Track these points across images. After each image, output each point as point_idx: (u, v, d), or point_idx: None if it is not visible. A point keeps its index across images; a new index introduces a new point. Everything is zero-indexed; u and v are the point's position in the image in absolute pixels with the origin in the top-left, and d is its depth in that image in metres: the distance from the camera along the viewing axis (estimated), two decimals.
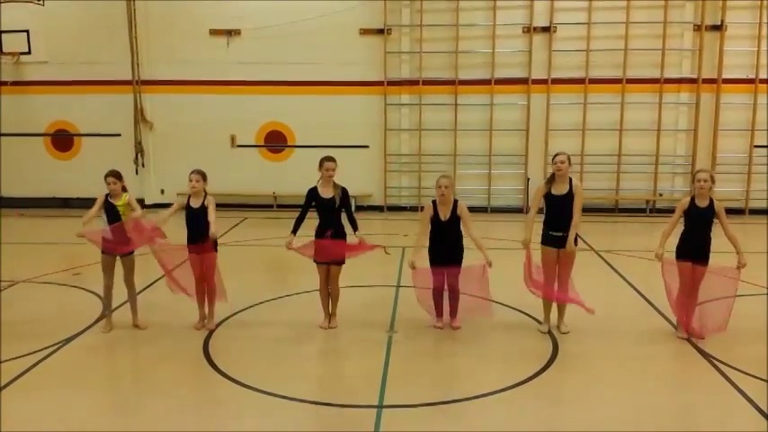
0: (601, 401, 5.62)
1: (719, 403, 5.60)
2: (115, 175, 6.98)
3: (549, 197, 6.99)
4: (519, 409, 5.53)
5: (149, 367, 6.33)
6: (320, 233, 7.11)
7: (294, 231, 7.10)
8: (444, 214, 6.97)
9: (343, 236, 7.16)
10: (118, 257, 7.05)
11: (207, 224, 6.95)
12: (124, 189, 7.06)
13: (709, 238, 6.71)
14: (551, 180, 7.00)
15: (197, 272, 7.19)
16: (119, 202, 6.96)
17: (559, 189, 6.94)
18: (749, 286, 8.62)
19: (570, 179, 6.97)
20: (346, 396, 5.73)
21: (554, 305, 7.27)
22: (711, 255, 6.78)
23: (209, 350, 6.67)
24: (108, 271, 7.07)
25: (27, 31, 15.28)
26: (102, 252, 7.03)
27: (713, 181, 6.68)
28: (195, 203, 7.06)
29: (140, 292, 8.67)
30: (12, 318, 7.47)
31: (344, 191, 7.14)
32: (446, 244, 7.00)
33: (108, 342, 6.96)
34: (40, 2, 14.89)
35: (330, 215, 7.09)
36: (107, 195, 6.99)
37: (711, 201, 6.68)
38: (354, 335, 7.17)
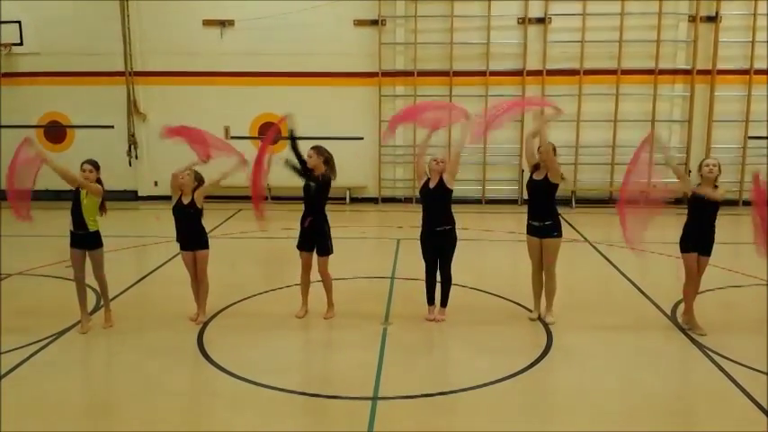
0: (595, 393, 5.63)
1: (714, 394, 5.61)
2: (93, 164, 6.79)
3: (530, 182, 7.14)
4: (513, 400, 5.53)
5: (143, 360, 6.31)
6: (303, 220, 7.21)
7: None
8: (433, 182, 7.06)
9: (321, 227, 7.17)
10: (87, 252, 6.83)
11: (198, 225, 7.06)
12: (99, 181, 6.81)
13: (713, 228, 6.72)
14: (536, 167, 7.10)
15: (192, 270, 7.20)
16: (83, 192, 6.72)
17: (539, 175, 7.08)
18: (743, 277, 8.67)
19: None
20: (341, 388, 5.72)
21: (542, 294, 7.31)
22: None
23: (203, 342, 6.66)
24: (77, 265, 6.89)
25: (19, 22, 15.15)
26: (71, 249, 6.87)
27: (720, 170, 6.70)
28: (185, 200, 7.02)
29: (133, 285, 8.69)
30: (4, 310, 7.43)
31: (323, 177, 7.16)
32: (436, 212, 7.04)
33: (101, 335, 6.93)
34: None
35: (308, 202, 7.19)
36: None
37: (715, 187, 6.69)
38: (349, 327, 7.16)
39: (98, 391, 5.90)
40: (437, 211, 7.07)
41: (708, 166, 6.69)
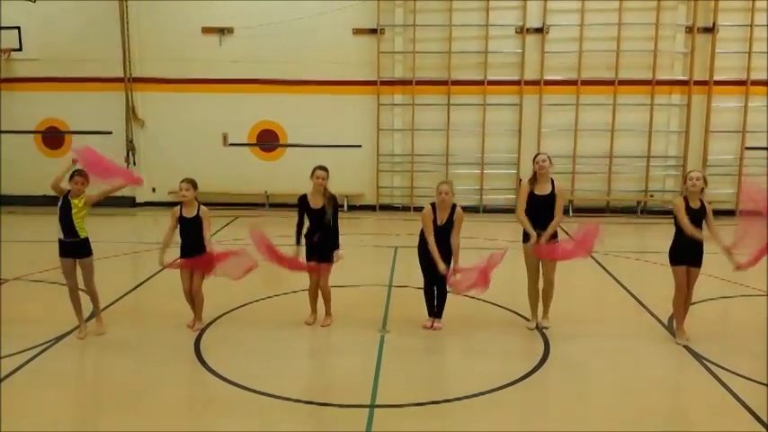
0: (591, 402, 5.63)
1: (712, 405, 5.61)
2: (85, 176, 6.73)
3: (531, 197, 7.06)
4: (510, 409, 5.53)
5: (140, 366, 6.30)
6: (309, 236, 7.19)
7: (297, 242, 7.17)
8: (441, 219, 6.99)
9: (328, 240, 7.18)
10: (77, 261, 6.80)
11: (202, 238, 6.97)
12: None
13: (702, 240, 6.71)
14: (534, 180, 7.07)
15: (187, 284, 7.15)
16: (75, 200, 6.71)
17: (542, 189, 7.04)
18: (739, 287, 8.68)
19: (552, 180, 7.06)
20: (338, 395, 5.71)
21: (540, 302, 7.33)
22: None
23: (201, 349, 6.64)
24: (69, 274, 6.87)
25: (18, 28, 15.18)
26: (60, 256, 6.83)
27: (705, 182, 6.68)
28: (188, 213, 7.01)
29: (130, 291, 8.68)
30: (2, 316, 7.40)
31: (334, 200, 7.18)
32: (438, 247, 6.99)
33: (97, 341, 6.91)
34: None
35: (319, 222, 7.15)
36: (68, 192, 6.74)
37: (702, 202, 6.69)
38: (347, 334, 7.16)
39: (95, 397, 5.87)
40: (442, 238, 7.02)
41: (692, 179, 6.62)
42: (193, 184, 7.02)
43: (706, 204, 6.69)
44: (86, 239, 6.84)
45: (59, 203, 6.77)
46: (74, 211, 6.70)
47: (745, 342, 6.95)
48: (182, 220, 7.03)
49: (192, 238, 7.00)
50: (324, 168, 7.13)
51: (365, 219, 14.73)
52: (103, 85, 15.30)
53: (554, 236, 7.05)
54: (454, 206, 7.02)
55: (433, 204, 7.04)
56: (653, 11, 14.42)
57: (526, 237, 7.11)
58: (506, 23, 14.80)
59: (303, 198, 7.17)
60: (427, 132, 15.17)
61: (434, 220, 6.99)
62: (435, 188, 7.05)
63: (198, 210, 7.00)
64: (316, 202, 7.12)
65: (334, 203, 7.18)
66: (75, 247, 6.78)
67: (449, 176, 14.48)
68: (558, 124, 14.95)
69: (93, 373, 6.53)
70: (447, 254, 7.01)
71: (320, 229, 7.13)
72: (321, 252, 7.20)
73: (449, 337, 7.10)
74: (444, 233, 6.99)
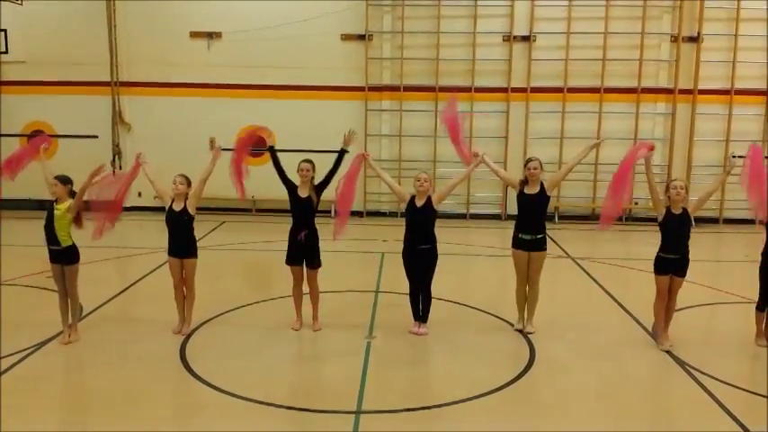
0: (577, 408, 5.67)
1: (693, 409, 5.67)
2: (62, 180, 6.77)
3: (521, 196, 7.18)
4: (496, 414, 5.55)
5: (125, 372, 6.27)
6: (294, 233, 7.24)
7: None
8: (419, 203, 7.16)
9: (315, 238, 7.27)
10: (63, 267, 6.74)
11: (190, 233, 7.10)
12: (72, 194, 6.78)
13: (687, 248, 6.78)
14: (525, 182, 7.20)
15: (176, 277, 7.16)
16: (58, 206, 6.71)
17: (531, 189, 7.16)
18: (725, 295, 8.77)
19: (542, 183, 7.19)
20: (324, 401, 5.72)
21: (526, 304, 7.40)
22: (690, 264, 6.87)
23: (186, 355, 6.62)
24: (57, 279, 6.84)
25: (5, 31, 15.07)
26: (52, 260, 6.81)
27: (687, 191, 6.78)
28: (177, 207, 7.04)
29: (116, 296, 8.63)
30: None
31: (318, 187, 7.28)
32: (419, 232, 7.12)
33: (82, 347, 6.87)
34: (19, 1, 14.69)
35: (305, 215, 7.23)
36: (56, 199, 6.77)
37: (684, 208, 6.77)
38: (333, 340, 7.17)
39: (79, 402, 5.85)
40: (421, 230, 7.14)
41: (675, 188, 6.73)
42: (188, 180, 7.17)
43: (689, 207, 6.80)
44: (69, 247, 6.76)
45: (47, 209, 6.77)
46: (56, 214, 6.67)
47: (727, 348, 7.03)
48: (169, 214, 7.07)
49: (179, 233, 7.06)
50: (308, 161, 7.29)
51: (352, 224, 14.64)
52: (90, 89, 15.19)
53: (545, 235, 7.21)
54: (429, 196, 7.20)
55: (413, 196, 7.26)
56: (639, 20, 14.54)
57: (519, 243, 7.20)
58: (493, 31, 14.86)
59: (295, 186, 7.29)
60: (415, 138, 15.19)
61: (413, 204, 7.17)
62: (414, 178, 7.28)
63: (185, 202, 7.09)
64: (303, 192, 7.22)
65: (318, 188, 7.28)
66: (59, 255, 6.75)
67: (436, 182, 14.47)
68: (545, 131, 15.03)
69: (76, 380, 6.48)
70: (426, 238, 7.13)
71: (305, 225, 7.19)
72: (308, 256, 7.23)
73: (435, 342, 7.12)
74: (422, 216, 7.12)
